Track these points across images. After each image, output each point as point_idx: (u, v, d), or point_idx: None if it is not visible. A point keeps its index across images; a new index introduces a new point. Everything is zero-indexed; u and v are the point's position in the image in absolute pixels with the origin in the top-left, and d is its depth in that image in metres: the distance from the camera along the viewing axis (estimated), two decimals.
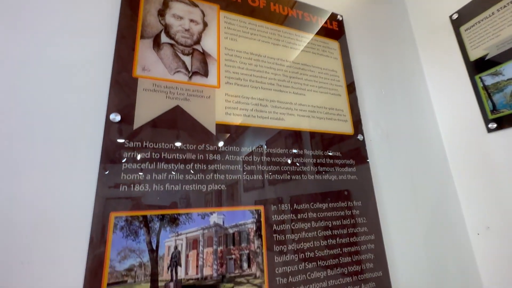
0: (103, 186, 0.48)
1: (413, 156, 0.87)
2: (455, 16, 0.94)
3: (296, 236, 0.60)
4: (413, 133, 0.90)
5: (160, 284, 0.47)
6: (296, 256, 0.59)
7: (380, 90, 0.90)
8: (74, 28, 0.56)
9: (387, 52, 0.98)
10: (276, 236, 0.58)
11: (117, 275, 0.45)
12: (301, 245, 0.60)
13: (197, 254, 0.51)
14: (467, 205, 0.86)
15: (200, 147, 0.57)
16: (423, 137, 0.92)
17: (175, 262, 0.49)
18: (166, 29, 0.62)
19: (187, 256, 0.50)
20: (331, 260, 0.62)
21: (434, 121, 0.97)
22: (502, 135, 0.79)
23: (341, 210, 0.67)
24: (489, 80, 0.83)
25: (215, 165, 0.57)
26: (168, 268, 0.48)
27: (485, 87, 0.83)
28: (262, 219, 0.58)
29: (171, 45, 0.62)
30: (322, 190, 0.67)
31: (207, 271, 0.50)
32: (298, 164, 0.67)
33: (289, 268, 0.57)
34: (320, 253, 0.61)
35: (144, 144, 0.53)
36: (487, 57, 0.84)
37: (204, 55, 0.64)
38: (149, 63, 0.58)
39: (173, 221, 0.51)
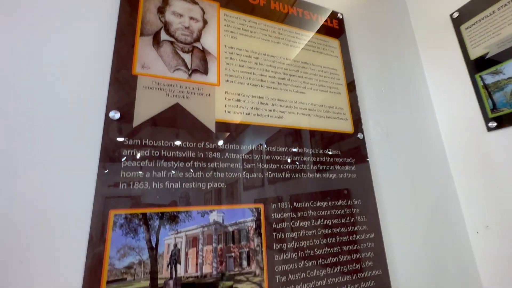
0: (102, 184, 0.48)
1: (413, 154, 0.87)
2: (455, 15, 0.94)
3: (295, 234, 0.60)
4: (413, 131, 0.90)
5: (160, 281, 0.47)
6: (295, 254, 0.59)
7: (380, 88, 0.90)
8: (73, 25, 0.55)
9: (387, 51, 0.97)
10: (275, 234, 0.58)
11: (116, 272, 0.45)
12: (301, 243, 0.60)
13: (197, 252, 0.51)
14: (467, 204, 0.86)
15: (199, 145, 0.57)
16: (423, 136, 0.92)
17: (174, 260, 0.49)
18: (166, 26, 0.62)
19: (186, 254, 0.50)
20: (330, 258, 0.62)
21: (434, 120, 0.97)
22: (502, 134, 0.79)
23: (341, 208, 0.67)
24: (489, 79, 0.83)
25: (215, 163, 0.57)
26: (167, 266, 0.48)
27: (485, 86, 0.83)
28: (262, 217, 0.58)
29: (171, 42, 0.61)
30: (322, 189, 0.67)
31: (206, 269, 0.50)
32: (298, 163, 0.66)
33: (289, 266, 0.57)
34: (319, 251, 0.61)
35: (143, 142, 0.53)
36: (488, 56, 0.84)
37: (204, 52, 0.64)
38: (149, 60, 0.58)
39: (173, 219, 0.51)
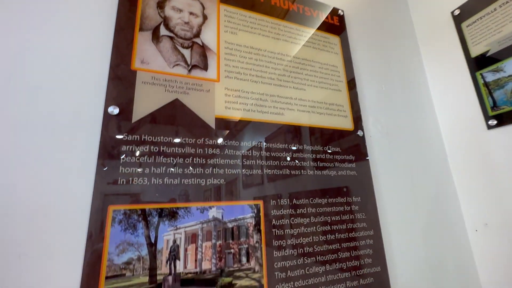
0: (101, 179, 0.47)
1: (412, 152, 0.87)
2: (456, 12, 0.93)
3: (295, 231, 0.60)
4: (413, 129, 0.90)
5: (159, 277, 0.47)
6: (295, 251, 0.59)
7: (381, 86, 0.90)
8: (71, 20, 0.55)
9: (388, 48, 0.97)
10: (275, 231, 0.58)
11: (115, 268, 0.44)
12: (300, 240, 0.60)
13: (196, 248, 0.51)
14: (466, 201, 0.86)
15: (199, 141, 0.57)
16: (423, 133, 0.92)
17: (173, 255, 0.49)
18: (165, 21, 0.61)
19: (185, 250, 0.50)
20: (330, 255, 0.62)
21: (434, 118, 0.96)
22: (502, 132, 0.79)
23: (340, 205, 0.67)
24: (490, 77, 0.82)
25: (215, 160, 0.57)
26: (166, 262, 0.48)
27: (486, 84, 0.83)
28: (261, 214, 0.58)
29: (171, 38, 0.61)
30: (322, 186, 0.67)
31: (205, 265, 0.50)
32: (297, 159, 0.66)
33: (288, 263, 0.57)
34: (319, 248, 0.61)
35: (142, 137, 0.52)
36: (489, 54, 0.83)
37: (203, 48, 0.64)
38: (148, 55, 0.58)
39: (172, 215, 0.50)
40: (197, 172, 0.55)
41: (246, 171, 0.59)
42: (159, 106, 0.56)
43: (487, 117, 0.82)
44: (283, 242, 0.58)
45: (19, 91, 0.48)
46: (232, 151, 0.60)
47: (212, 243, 0.52)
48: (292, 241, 0.59)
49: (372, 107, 0.85)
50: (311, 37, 0.81)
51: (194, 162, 0.55)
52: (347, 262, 0.63)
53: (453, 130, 0.92)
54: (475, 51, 0.87)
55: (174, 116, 0.56)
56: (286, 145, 0.66)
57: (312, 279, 0.58)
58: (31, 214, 0.43)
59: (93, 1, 0.57)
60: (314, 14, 0.84)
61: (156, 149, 0.53)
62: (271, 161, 0.63)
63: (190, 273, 0.49)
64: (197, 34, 0.64)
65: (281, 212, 0.60)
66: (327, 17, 0.86)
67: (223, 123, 0.60)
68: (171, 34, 0.61)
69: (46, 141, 0.47)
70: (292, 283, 0.56)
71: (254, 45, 0.71)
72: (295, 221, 0.61)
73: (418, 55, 1.04)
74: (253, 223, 0.57)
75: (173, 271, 0.48)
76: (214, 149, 0.58)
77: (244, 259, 0.54)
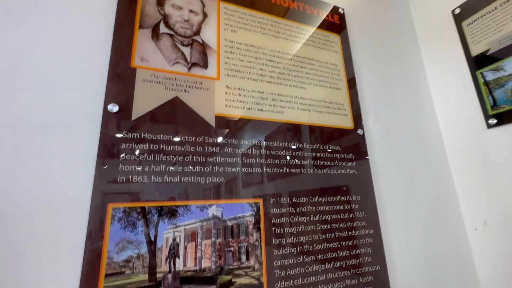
0: (100, 177, 0.47)
1: (412, 150, 0.87)
2: (457, 11, 0.93)
3: (294, 229, 0.60)
4: (413, 127, 0.90)
5: (158, 275, 0.47)
6: (294, 249, 0.59)
7: (381, 84, 0.89)
8: (71, 17, 0.55)
9: (388, 47, 0.97)
10: (274, 229, 0.58)
11: (115, 266, 0.44)
12: (300, 238, 0.60)
13: (196, 246, 0.51)
14: (466, 200, 0.87)
15: (199, 139, 0.57)
16: (422, 132, 0.92)
17: (173, 253, 0.49)
18: (165, 19, 0.61)
19: (185, 248, 0.50)
20: (329, 253, 0.62)
21: (434, 116, 0.96)
22: (502, 131, 0.79)
23: (340, 204, 0.67)
24: (490, 76, 0.82)
25: (214, 158, 0.57)
26: (166, 260, 0.48)
27: (486, 83, 0.83)
28: (261, 212, 0.58)
29: (170, 35, 0.61)
30: (321, 184, 0.67)
31: (205, 263, 0.50)
32: (297, 158, 0.66)
33: (288, 261, 0.57)
34: (318, 247, 0.61)
35: (142, 135, 0.52)
36: (489, 52, 0.83)
37: (203, 46, 0.63)
38: (148, 53, 0.57)
39: (172, 213, 0.50)
40: (197, 170, 0.55)
41: (246, 170, 0.59)
42: (159, 104, 0.55)
43: (487, 116, 0.82)
44: (283, 240, 0.58)
45: (18, 89, 0.47)
46: (232, 149, 0.59)
47: (211, 241, 0.52)
48: (291, 240, 0.59)
49: (372, 106, 0.84)
50: (311, 36, 0.81)
51: (194, 160, 0.55)
52: (347, 261, 0.63)
53: (453, 129, 0.92)
54: (475, 50, 0.87)
55: (174, 114, 0.56)
56: (286, 143, 0.66)
57: (311, 277, 0.58)
58: (31, 211, 0.43)
59: None
60: (315, 12, 0.84)
61: (155, 147, 0.53)
62: (271, 160, 0.63)
63: (190, 271, 0.49)
64: (197, 32, 0.64)
65: (281, 210, 0.60)
66: (327, 16, 0.86)
67: (223, 121, 0.60)
68: (171, 32, 0.61)
69: (45, 139, 0.47)
70: (291, 281, 0.56)
71: (254, 43, 0.71)
72: (295, 219, 0.61)
73: (419, 54, 1.04)
74: (253, 221, 0.57)
75: (172, 269, 0.48)
76: (214, 148, 0.58)
77: (243, 257, 0.54)
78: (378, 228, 0.70)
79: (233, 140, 0.60)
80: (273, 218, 0.59)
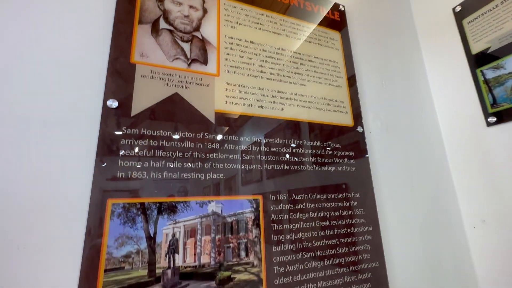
0: (100, 173, 0.47)
1: (412, 148, 0.87)
2: (458, 9, 0.93)
3: (294, 226, 0.60)
4: (413, 125, 0.90)
5: (158, 271, 0.47)
6: (293, 246, 0.59)
7: (381, 82, 0.89)
8: (70, 12, 0.54)
9: (388, 44, 0.97)
10: (274, 226, 0.58)
11: (114, 261, 0.44)
12: (299, 235, 0.60)
13: (195, 242, 0.51)
14: (464, 198, 0.87)
15: (198, 136, 0.56)
16: (422, 130, 0.92)
17: (172, 249, 0.49)
18: (165, 14, 0.61)
19: (185, 243, 0.50)
20: (328, 250, 0.62)
21: (433, 114, 0.96)
22: (501, 130, 0.79)
23: (339, 201, 0.68)
24: (490, 74, 0.82)
25: (214, 154, 0.57)
26: (165, 256, 0.48)
27: (486, 81, 0.83)
28: (261, 209, 0.58)
29: (170, 31, 0.60)
30: (321, 181, 0.67)
31: (204, 259, 0.50)
32: (297, 155, 0.66)
33: (287, 258, 0.57)
34: (317, 243, 0.61)
35: (142, 131, 0.52)
36: (489, 51, 0.83)
37: (203, 42, 0.63)
38: (147, 49, 0.57)
39: (171, 209, 0.50)
40: (197, 166, 0.55)
41: (246, 166, 0.59)
42: (159, 100, 0.55)
43: (486, 114, 0.82)
44: (282, 237, 0.58)
45: (17, 85, 0.47)
46: (231, 145, 0.59)
47: (211, 237, 0.52)
48: (291, 236, 0.59)
49: (372, 104, 0.84)
50: (312, 33, 0.80)
51: (194, 156, 0.55)
52: (346, 257, 0.64)
53: (452, 127, 0.92)
54: (475, 48, 0.87)
55: (174, 110, 0.56)
56: (286, 140, 0.66)
57: (310, 273, 0.59)
58: (30, 205, 0.43)
59: None
60: (315, 9, 0.84)
61: (155, 143, 0.53)
62: (270, 156, 0.63)
63: (189, 266, 0.49)
64: (197, 28, 0.63)
65: (280, 207, 0.60)
66: (328, 13, 0.86)
67: (222, 118, 0.60)
68: (171, 28, 0.60)
69: (44, 133, 0.47)
70: (290, 277, 0.56)
71: (254, 40, 0.70)
72: (294, 216, 0.61)
73: (419, 51, 1.04)
74: (252, 217, 0.57)
75: (172, 265, 0.48)
76: (214, 144, 0.57)
77: (243, 254, 0.54)
78: (377, 225, 0.70)
79: (233, 136, 0.60)
80: (273, 215, 0.59)
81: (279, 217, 0.59)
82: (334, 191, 0.68)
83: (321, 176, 0.68)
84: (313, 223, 0.63)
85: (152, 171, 0.51)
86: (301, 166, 0.66)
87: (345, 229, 0.66)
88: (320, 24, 0.83)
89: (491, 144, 0.81)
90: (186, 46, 0.61)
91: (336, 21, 0.86)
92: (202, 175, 0.55)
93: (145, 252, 0.47)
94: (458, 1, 0.93)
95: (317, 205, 0.64)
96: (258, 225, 0.57)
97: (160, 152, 0.52)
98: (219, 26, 0.67)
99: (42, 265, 0.42)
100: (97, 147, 0.48)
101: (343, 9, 0.89)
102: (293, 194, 0.63)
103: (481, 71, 0.85)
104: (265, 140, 0.64)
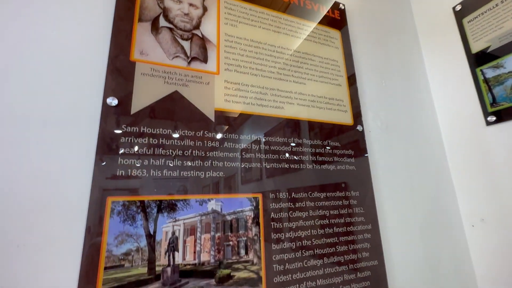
0: (99, 170, 0.47)
1: (411, 147, 0.87)
2: (458, 8, 0.93)
3: (293, 224, 0.60)
4: (412, 124, 0.90)
5: (158, 268, 0.47)
6: (293, 244, 0.59)
7: (381, 81, 0.89)
8: (70, 10, 0.54)
9: (388, 43, 0.97)
10: (273, 224, 0.58)
11: (114, 259, 0.44)
12: (298, 234, 0.60)
13: (195, 240, 0.51)
14: (463, 197, 0.87)
15: (198, 134, 0.56)
16: (422, 129, 0.92)
17: (172, 247, 0.49)
18: (165, 12, 0.61)
19: (184, 241, 0.50)
20: (327, 248, 0.62)
21: (433, 113, 0.97)
22: (501, 129, 0.79)
23: (339, 199, 0.68)
24: (490, 73, 0.82)
25: (214, 152, 0.57)
26: (165, 253, 0.48)
27: (486, 80, 0.83)
28: (260, 207, 0.58)
29: (170, 29, 0.60)
30: (320, 180, 0.67)
31: (204, 257, 0.51)
32: (297, 154, 0.66)
33: (286, 256, 0.57)
34: (317, 242, 0.62)
35: (141, 129, 0.52)
36: (489, 50, 0.83)
37: (203, 40, 0.63)
38: (147, 47, 0.57)
39: (171, 207, 0.50)
40: (196, 165, 0.55)
41: (245, 165, 0.59)
42: (158, 98, 0.55)
43: (486, 114, 0.82)
44: (282, 235, 0.58)
45: (16, 83, 0.47)
46: (231, 144, 0.59)
47: (211, 235, 0.52)
48: (290, 234, 0.59)
49: (372, 102, 0.84)
50: (312, 31, 0.80)
51: (194, 155, 0.55)
52: (345, 256, 0.64)
53: (452, 126, 0.92)
54: (475, 47, 0.87)
55: (173, 108, 0.56)
56: (286, 139, 0.66)
57: (310, 271, 0.59)
58: (30, 203, 0.43)
59: None
60: (315, 8, 0.84)
61: (155, 141, 0.53)
62: (270, 155, 0.63)
63: (189, 264, 0.49)
64: (197, 26, 0.63)
65: (280, 205, 0.60)
66: (328, 11, 0.85)
67: (222, 116, 0.60)
68: (171, 26, 0.60)
69: (44, 130, 0.47)
70: (290, 275, 0.56)
71: (254, 38, 0.70)
72: (294, 214, 0.61)
73: (419, 50, 1.04)
74: (252, 216, 0.57)
75: (171, 263, 0.48)
76: (214, 142, 0.58)
77: (242, 252, 0.54)
78: (376, 224, 0.71)
79: (233, 135, 0.60)
80: (272, 213, 0.59)
81: (278, 216, 0.60)
82: (334, 190, 0.68)
83: (321, 175, 0.68)
84: (313, 221, 0.63)
85: (152, 169, 0.51)
86: (301, 165, 0.66)
87: (345, 228, 0.66)
88: (320, 22, 0.83)
89: (491, 143, 0.81)
90: (186, 44, 0.61)
91: (336, 19, 0.86)
92: (202, 173, 0.55)
93: (145, 250, 0.47)
94: (458, 0, 0.93)
95: (317, 204, 0.65)
96: (257, 223, 0.57)
97: (160, 150, 0.52)
98: (219, 24, 0.66)
99: (42, 262, 0.42)
100: (97, 145, 0.48)
101: (343, 7, 0.89)
102: (293, 193, 0.63)
103: (481, 70, 0.85)
104: (265, 139, 0.64)
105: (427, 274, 0.76)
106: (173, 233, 0.49)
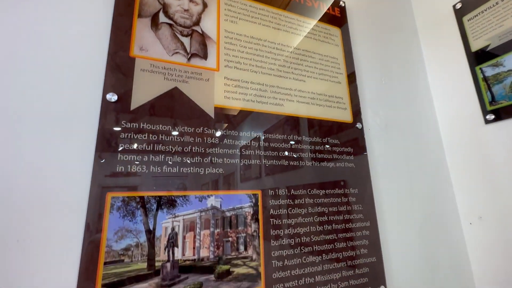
0: (99, 166, 0.47)
1: (410, 145, 0.87)
2: (458, 6, 0.93)
3: (292, 221, 0.61)
4: (412, 122, 0.91)
5: (157, 264, 0.47)
6: (292, 241, 0.59)
7: (380, 79, 0.89)
8: (69, 5, 0.54)
9: (388, 41, 0.97)
10: (272, 221, 0.59)
11: (114, 254, 0.45)
12: (297, 230, 0.61)
13: (194, 236, 0.51)
14: (461, 195, 0.88)
15: (198, 130, 0.56)
16: (421, 127, 0.92)
17: (172, 243, 0.49)
18: (165, 8, 0.60)
19: (184, 237, 0.50)
20: (326, 245, 0.63)
21: (432, 111, 0.97)
22: (499, 127, 0.80)
23: (338, 196, 0.68)
24: (489, 71, 0.82)
25: (214, 149, 0.57)
26: (165, 249, 0.48)
27: (485, 78, 0.83)
28: (260, 203, 0.58)
29: (170, 25, 0.60)
30: (320, 177, 0.67)
31: (204, 253, 0.51)
32: (296, 151, 0.66)
33: (285, 252, 0.58)
34: (315, 238, 0.62)
35: (141, 125, 0.52)
36: (489, 48, 0.83)
37: (203, 36, 0.63)
38: (147, 43, 0.57)
39: (170, 203, 0.50)
40: (196, 161, 0.55)
41: (245, 161, 0.60)
42: (158, 94, 0.55)
43: (485, 112, 0.83)
44: (281, 231, 0.59)
45: (15, 80, 0.47)
46: (231, 140, 0.59)
47: (210, 231, 0.53)
48: (289, 231, 0.60)
49: (372, 100, 0.85)
50: (312, 29, 0.80)
51: (193, 151, 0.55)
52: (343, 252, 0.64)
53: (451, 124, 0.92)
54: (475, 46, 0.87)
55: (173, 104, 0.56)
56: (285, 136, 0.66)
57: (308, 268, 0.59)
58: (30, 198, 0.43)
59: None
60: (316, 5, 0.83)
61: (154, 137, 0.53)
62: (270, 152, 0.63)
63: (188, 260, 0.49)
64: (197, 22, 0.63)
65: (279, 202, 0.61)
66: (328, 8, 0.85)
67: (222, 113, 0.60)
68: (171, 22, 0.60)
69: (44, 126, 0.47)
70: (288, 271, 0.57)
71: (254, 35, 0.70)
72: (293, 211, 0.62)
73: (419, 48, 1.04)
74: (251, 212, 0.57)
75: (171, 258, 0.48)
76: (213, 139, 0.58)
77: (242, 248, 0.54)
78: (375, 221, 0.71)
79: (233, 131, 0.60)
80: (271, 210, 0.59)
81: (278, 212, 0.60)
82: (333, 187, 0.68)
83: (320, 172, 0.68)
84: (312, 218, 0.63)
85: (152, 165, 0.51)
86: (300, 162, 0.66)
87: (343, 225, 0.66)
88: (321, 20, 0.83)
89: (489, 141, 0.81)
90: (186, 41, 0.60)
91: (336, 17, 0.86)
92: (201, 170, 0.55)
93: (145, 245, 0.47)
94: None
95: (316, 201, 0.65)
96: (257, 220, 0.57)
97: (160, 146, 0.52)
98: (219, 21, 0.66)
99: (42, 257, 0.42)
100: (96, 141, 0.48)
101: (343, 5, 0.89)
102: (292, 190, 0.63)
103: (480, 68, 0.85)
104: (264, 136, 0.64)
105: (424, 270, 0.76)
106: (173, 229, 0.50)
